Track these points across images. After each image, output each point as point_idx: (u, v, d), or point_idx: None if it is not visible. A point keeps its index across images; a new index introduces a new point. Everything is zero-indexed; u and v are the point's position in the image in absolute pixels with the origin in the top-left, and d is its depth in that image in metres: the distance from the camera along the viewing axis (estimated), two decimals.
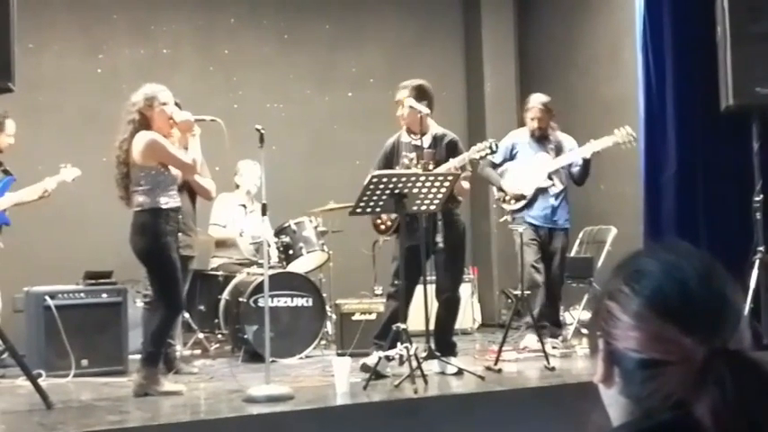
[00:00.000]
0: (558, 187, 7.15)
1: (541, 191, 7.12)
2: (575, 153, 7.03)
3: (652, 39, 7.10)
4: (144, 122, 5.45)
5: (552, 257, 7.13)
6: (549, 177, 7.13)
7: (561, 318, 7.34)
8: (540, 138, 7.17)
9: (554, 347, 6.72)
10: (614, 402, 1.24)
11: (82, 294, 6.59)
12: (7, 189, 6.73)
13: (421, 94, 6.13)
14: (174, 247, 5.51)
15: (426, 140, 6.13)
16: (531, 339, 6.75)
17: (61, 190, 6.82)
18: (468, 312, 8.21)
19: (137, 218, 5.44)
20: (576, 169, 7.11)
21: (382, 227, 6.32)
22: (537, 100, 7.28)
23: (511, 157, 7.26)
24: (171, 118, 5.54)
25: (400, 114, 6.21)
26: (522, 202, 7.14)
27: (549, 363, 5.98)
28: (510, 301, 7.49)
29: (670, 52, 7.03)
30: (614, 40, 8.72)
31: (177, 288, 5.53)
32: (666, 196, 7.05)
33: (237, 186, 7.84)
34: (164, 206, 5.42)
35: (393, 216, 6.15)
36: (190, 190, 6.46)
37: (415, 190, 5.61)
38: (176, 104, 5.74)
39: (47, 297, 6.41)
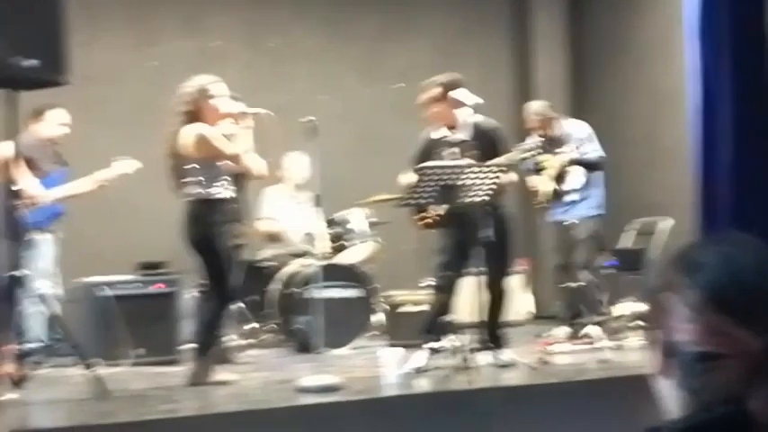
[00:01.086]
0: (578, 183, 7.14)
1: (555, 193, 7.17)
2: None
3: (704, 26, 6.98)
4: (194, 114, 5.48)
5: (576, 248, 7.13)
6: (558, 178, 7.13)
7: (602, 308, 7.30)
8: (549, 140, 7.18)
9: (586, 335, 6.66)
10: (670, 395, 1.23)
11: (135, 285, 6.68)
12: (62, 180, 6.84)
13: (448, 89, 6.06)
14: (227, 237, 5.54)
15: (466, 132, 6.08)
16: (594, 330, 6.76)
17: (115, 182, 6.91)
18: (522, 304, 8.18)
19: (188, 208, 5.49)
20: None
21: (423, 222, 6.24)
22: (530, 110, 7.32)
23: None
24: (222, 110, 5.58)
25: (437, 111, 6.10)
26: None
27: (600, 355, 5.94)
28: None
29: (725, 39, 6.91)
30: (666, 29, 8.60)
31: (229, 278, 5.57)
32: (719, 187, 6.94)
33: (285, 179, 7.87)
34: (215, 196, 5.47)
35: (436, 212, 6.12)
36: (239, 179, 6.48)
37: (466, 181, 5.58)
38: (233, 98, 5.77)
39: (102, 287, 6.51)
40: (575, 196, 7.19)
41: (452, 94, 6.00)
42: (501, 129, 6.17)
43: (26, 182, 6.52)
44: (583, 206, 7.20)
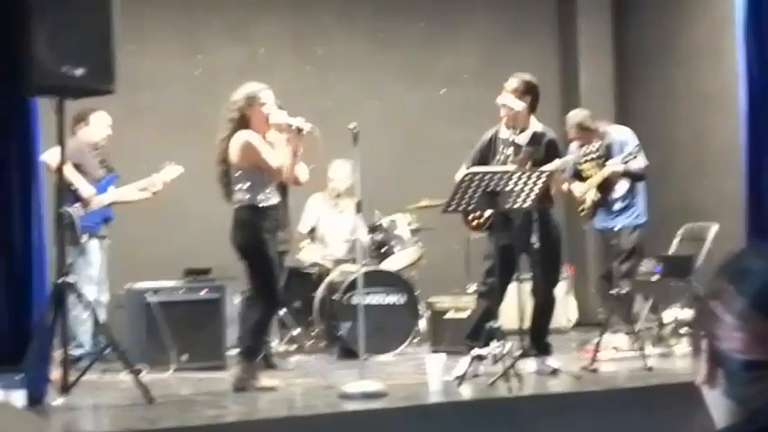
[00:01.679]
0: (619, 192, 7.05)
1: (600, 200, 7.06)
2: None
3: (754, 28, 6.89)
4: (243, 122, 5.52)
5: (617, 257, 7.05)
6: (601, 187, 7.02)
7: (634, 314, 7.19)
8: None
9: (614, 348, 6.53)
10: (718, 404, 1.21)
11: (182, 291, 6.74)
12: (111, 185, 6.95)
13: (526, 89, 6.04)
14: (273, 244, 5.58)
15: (525, 138, 6.04)
16: (622, 339, 6.65)
17: (166, 188, 7.03)
18: (564, 311, 8.12)
19: (237, 215, 5.54)
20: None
21: (474, 223, 6.29)
22: (571, 121, 7.19)
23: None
24: (271, 119, 5.59)
25: (500, 102, 6.08)
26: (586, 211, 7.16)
27: (646, 363, 5.87)
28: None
29: None
30: (714, 31, 8.50)
31: (275, 284, 5.61)
32: None
33: (329, 186, 7.89)
34: (262, 203, 5.50)
35: (485, 212, 6.13)
36: (281, 185, 6.51)
37: (509, 187, 5.56)
38: (277, 105, 5.80)
39: (148, 293, 6.57)
40: (618, 204, 7.11)
41: (503, 99, 5.99)
42: (557, 140, 6.17)
43: (80, 184, 6.67)
44: (626, 215, 7.11)
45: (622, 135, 7.20)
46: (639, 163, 7.04)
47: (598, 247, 7.49)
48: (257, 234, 5.48)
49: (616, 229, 7.03)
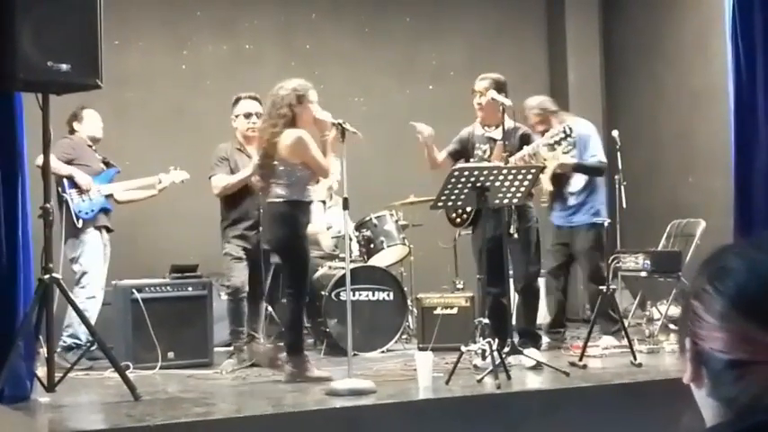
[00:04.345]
0: (576, 186, 6.98)
1: (556, 192, 6.96)
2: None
3: (742, 26, 6.90)
4: (292, 118, 5.54)
5: (578, 258, 7.01)
6: (555, 179, 6.91)
7: (623, 311, 7.14)
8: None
9: (603, 347, 6.51)
10: (705, 404, 1.20)
11: (168, 288, 6.71)
12: (111, 178, 6.93)
13: (497, 87, 6.15)
14: (308, 238, 5.66)
15: (499, 133, 6.13)
16: (608, 340, 6.63)
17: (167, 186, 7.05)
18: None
19: (275, 209, 5.57)
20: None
21: (458, 220, 6.35)
22: (530, 104, 6.97)
23: None
24: (317, 117, 5.63)
25: (478, 104, 6.24)
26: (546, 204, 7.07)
27: (635, 359, 5.87)
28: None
29: (761, 40, 6.82)
30: (702, 29, 8.52)
31: (306, 279, 5.72)
32: (757, 189, 6.84)
33: (322, 183, 7.86)
34: (303, 199, 5.55)
35: (467, 209, 6.17)
36: None
37: (498, 183, 5.57)
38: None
39: (134, 290, 6.54)
40: (573, 200, 7.00)
41: (491, 93, 6.07)
42: (530, 133, 6.21)
43: (76, 173, 6.67)
44: (582, 212, 6.97)
45: (584, 129, 7.04)
46: (593, 158, 6.90)
47: (550, 243, 7.27)
48: (297, 229, 5.57)
49: (572, 226, 6.97)
